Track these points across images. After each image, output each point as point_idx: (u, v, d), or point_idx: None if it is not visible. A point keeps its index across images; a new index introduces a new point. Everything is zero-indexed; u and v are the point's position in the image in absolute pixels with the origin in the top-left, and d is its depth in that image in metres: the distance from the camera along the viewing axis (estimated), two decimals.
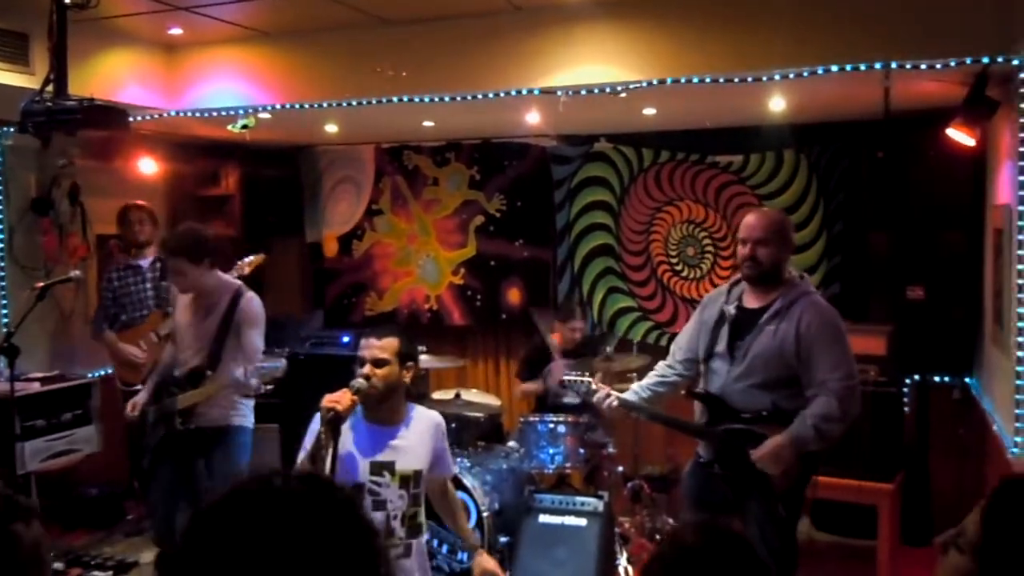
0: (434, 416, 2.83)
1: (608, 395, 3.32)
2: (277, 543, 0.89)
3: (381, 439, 2.67)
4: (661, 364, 3.45)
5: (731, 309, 3.19)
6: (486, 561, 2.85)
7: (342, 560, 0.91)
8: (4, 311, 5.05)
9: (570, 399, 4.88)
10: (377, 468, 2.64)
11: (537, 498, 4.26)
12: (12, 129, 4.74)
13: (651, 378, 3.43)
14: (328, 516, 0.93)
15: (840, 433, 3.01)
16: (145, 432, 4.07)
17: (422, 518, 2.72)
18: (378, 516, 2.60)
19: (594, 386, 3.39)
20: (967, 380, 4.94)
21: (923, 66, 3.55)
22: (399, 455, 2.66)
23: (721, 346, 3.17)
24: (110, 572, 4.51)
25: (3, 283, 5.07)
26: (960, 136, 3.91)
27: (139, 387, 4.91)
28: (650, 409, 3.43)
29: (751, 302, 3.18)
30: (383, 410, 2.68)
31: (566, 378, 3.52)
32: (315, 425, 2.61)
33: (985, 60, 3.47)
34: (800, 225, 5.36)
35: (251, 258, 4.54)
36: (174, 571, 0.92)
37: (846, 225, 5.27)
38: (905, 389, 4.86)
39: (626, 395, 3.40)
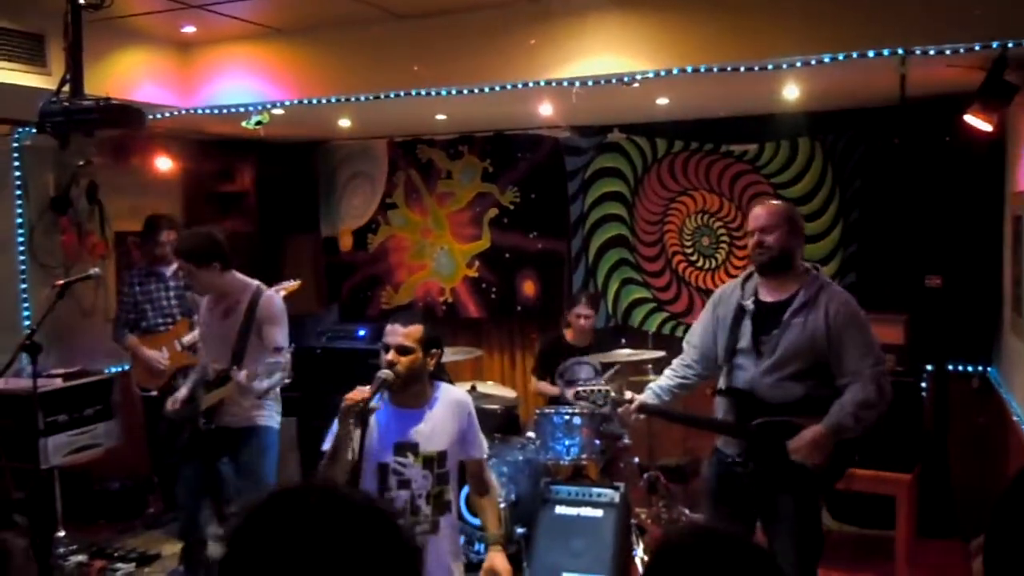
0: (460, 396, 2.86)
1: (632, 401, 3.22)
2: (325, 546, 0.89)
3: (406, 422, 2.74)
4: (678, 363, 3.36)
5: (750, 304, 3.15)
6: (497, 560, 2.83)
7: (383, 564, 0.92)
8: (26, 309, 5.12)
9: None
10: (401, 449, 2.70)
11: (553, 489, 4.28)
12: (30, 130, 4.79)
13: (671, 379, 3.33)
14: (373, 524, 0.94)
15: (875, 419, 3.03)
16: (173, 431, 4.13)
17: (449, 496, 2.76)
18: (403, 495, 2.68)
19: (613, 394, 3.28)
20: (986, 369, 4.90)
21: (940, 51, 3.51)
22: (423, 437, 2.72)
23: (744, 342, 3.13)
24: (132, 564, 4.59)
25: (24, 281, 5.13)
26: (978, 122, 3.87)
27: (155, 392, 5.00)
28: (677, 412, 3.36)
29: (768, 295, 3.16)
30: (407, 395, 2.74)
31: (581, 389, 3.36)
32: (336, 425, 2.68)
33: (1003, 44, 3.42)
34: (816, 214, 5.33)
35: (288, 283, 4.63)
36: (226, 567, 0.92)
37: (862, 213, 5.22)
38: (923, 378, 4.82)
39: (646, 397, 3.30)
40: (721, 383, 3.22)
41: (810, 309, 3.05)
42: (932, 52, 3.52)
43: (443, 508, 2.73)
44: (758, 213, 3.16)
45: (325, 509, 0.94)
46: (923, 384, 4.79)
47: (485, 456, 2.92)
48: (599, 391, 3.30)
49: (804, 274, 3.13)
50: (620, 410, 3.24)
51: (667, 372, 3.38)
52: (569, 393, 4.66)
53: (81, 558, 4.58)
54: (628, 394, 3.28)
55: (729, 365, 3.18)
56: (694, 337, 3.34)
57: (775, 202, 3.34)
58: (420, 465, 2.69)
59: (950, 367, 4.95)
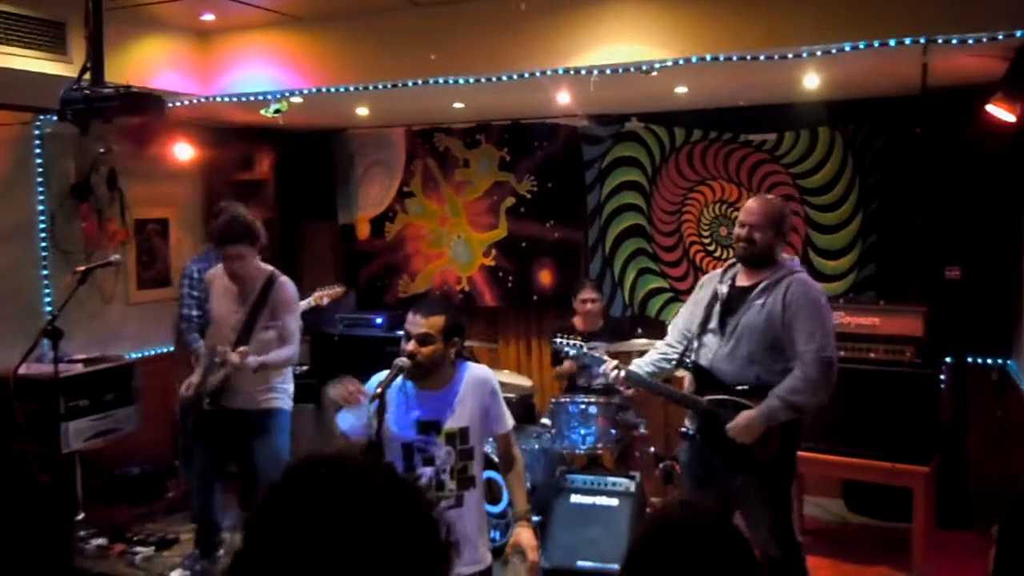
0: (483, 373, 2.89)
1: (616, 367, 3.46)
2: (350, 520, 0.89)
3: (429, 402, 2.78)
4: (661, 343, 3.60)
5: (724, 288, 3.35)
6: (523, 535, 2.85)
7: (408, 537, 0.91)
8: (47, 295, 5.18)
9: (600, 380, 4.89)
10: (424, 427, 2.75)
11: (569, 478, 4.30)
12: (52, 117, 4.84)
13: (653, 355, 3.58)
14: (394, 494, 0.93)
15: (811, 403, 3.14)
16: (184, 415, 4.18)
17: (473, 471, 2.79)
18: (428, 471, 2.73)
19: (585, 349, 3.64)
20: (1006, 361, 4.85)
21: (962, 40, 3.46)
22: (445, 414, 2.76)
23: (713, 322, 3.32)
24: (152, 548, 4.65)
25: (46, 268, 5.19)
26: (1000, 112, 3.82)
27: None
28: (647, 380, 3.53)
29: (743, 281, 3.33)
30: (429, 380, 2.78)
31: (557, 340, 3.78)
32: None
33: None
34: (835, 204, 5.29)
35: (331, 289, 4.61)
36: (249, 550, 0.92)
37: (882, 204, 5.17)
38: (942, 371, 4.78)
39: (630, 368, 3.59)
40: (691, 359, 3.44)
41: (770, 291, 3.20)
42: (954, 41, 3.47)
43: (467, 483, 2.77)
44: (752, 208, 3.30)
45: (342, 479, 0.93)
46: (942, 376, 4.75)
47: (510, 430, 2.94)
48: (576, 344, 3.71)
49: (779, 262, 3.28)
50: (605, 368, 3.48)
51: (651, 350, 3.63)
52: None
53: (101, 541, 4.64)
54: (612, 361, 3.51)
55: (698, 342, 3.38)
56: (679, 319, 3.57)
57: (770, 199, 3.47)
58: (443, 441, 2.75)
59: (969, 359, 4.91)
